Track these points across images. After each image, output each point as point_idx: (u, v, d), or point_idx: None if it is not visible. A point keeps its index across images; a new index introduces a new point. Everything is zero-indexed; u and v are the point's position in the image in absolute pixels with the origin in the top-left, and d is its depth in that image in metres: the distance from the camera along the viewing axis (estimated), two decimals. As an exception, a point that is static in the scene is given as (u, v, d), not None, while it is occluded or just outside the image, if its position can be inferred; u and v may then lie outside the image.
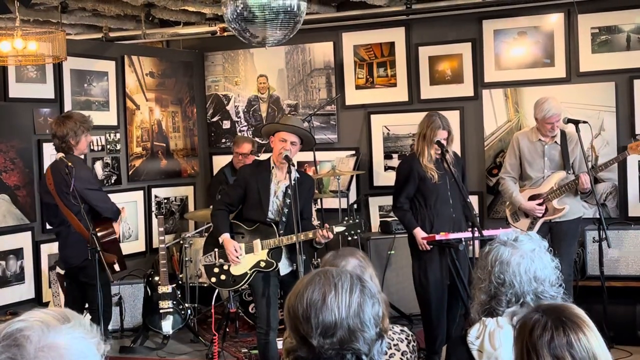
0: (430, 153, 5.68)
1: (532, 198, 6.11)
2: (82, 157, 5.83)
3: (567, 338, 2.03)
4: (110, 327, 6.92)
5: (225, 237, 5.35)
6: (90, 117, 5.95)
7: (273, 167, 5.37)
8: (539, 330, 2.06)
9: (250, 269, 5.35)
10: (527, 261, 2.79)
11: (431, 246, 5.65)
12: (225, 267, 5.42)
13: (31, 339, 1.46)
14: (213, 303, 6.71)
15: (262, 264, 5.33)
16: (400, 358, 3.23)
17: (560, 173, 6.08)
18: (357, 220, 5.30)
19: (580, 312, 2.12)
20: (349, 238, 5.49)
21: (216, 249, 5.43)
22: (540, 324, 2.07)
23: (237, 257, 5.32)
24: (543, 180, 6.13)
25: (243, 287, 5.63)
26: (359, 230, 5.30)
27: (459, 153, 7.09)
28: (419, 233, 5.70)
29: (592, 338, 2.05)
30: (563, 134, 6.14)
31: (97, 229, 5.57)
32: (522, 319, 2.17)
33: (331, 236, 5.20)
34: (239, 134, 8.23)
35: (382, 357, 2.12)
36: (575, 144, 6.08)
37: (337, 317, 2.02)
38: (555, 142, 6.12)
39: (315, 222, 6.57)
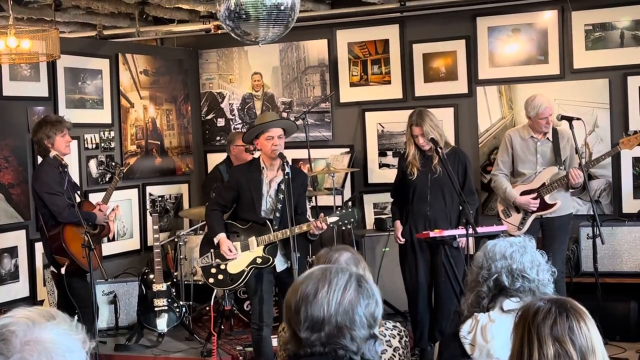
0: (411, 148, 5.84)
1: (524, 194, 6.15)
2: (64, 157, 5.85)
3: (570, 323, 2.08)
4: (105, 325, 6.93)
5: (221, 237, 5.35)
6: (67, 117, 6.08)
7: (264, 168, 5.37)
8: (543, 314, 2.11)
9: (247, 266, 5.36)
10: (504, 244, 2.85)
11: (403, 239, 5.90)
12: (222, 267, 5.41)
13: (17, 334, 1.48)
14: (212, 303, 6.67)
15: (259, 261, 5.34)
16: (392, 354, 3.24)
17: (552, 169, 6.11)
18: (349, 210, 5.32)
19: (583, 307, 2.17)
20: (344, 228, 5.50)
21: (212, 250, 5.43)
22: (544, 309, 2.12)
23: (233, 255, 5.33)
24: (535, 176, 6.15)
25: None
26: (352, 219, 5.31)
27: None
28: (397, 225, 5.99)
29: (592, 330, 2.10)
30: (555, 130, 6.17)
31: (49, 233, 5.83)
32: (525, 305, 2.21)
33: (325, 227, 5.21)
34: (233, 131, 8.21)
35: (377, 357, 2.11)
36: (567, 140, 6.13)
37: (325, 312, 2.03)
38: (547, 138, 6.16)
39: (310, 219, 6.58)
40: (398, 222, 5.99)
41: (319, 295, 2.05)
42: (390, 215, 6.52)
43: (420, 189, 5.83)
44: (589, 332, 2.08)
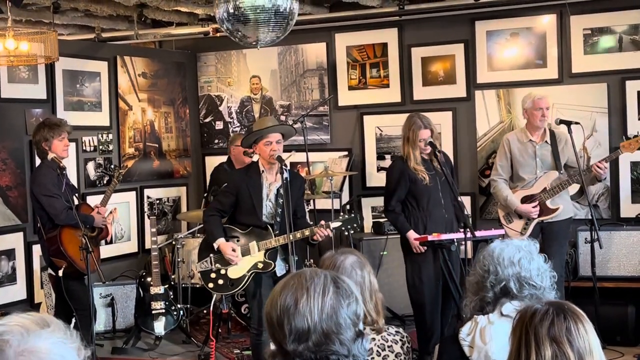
0: (416, 155, 5.67)
1: (525, 199, 6.10)
2: (62, 160, 5.83)
3: (567, 325, 2.08)
4: (102, 328, 6.92)
5: (221, 242, 5.32)
6: (66, 120, 6.04)
7: (263, 171, 5.36)
8: (540, 315, 2.11)
9: (248, 271, 5.33)
10: (512, 249, 2.84)
11: (425, 247, 5.62)
12: (223, 272, 5.39)
13: (11, 344, 1.46)
14: (211, 307, 6.65)
15: (260, 265, 5.32)
16: (394, 360, 3.23)
17: (553, 173, 6.08)
18: (352, 215, 5.32)
19: (580, 310, 2.17)
20: (346, 233, 5.49)
21: (211, 255, 5.41)
22: (541, 311, 2.12)
23: (236, 257, 5.31)
24: (535, 180, 6.12)
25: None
26: (355, 225, 5.31)
27: (451, 154, 7.11)
28: (412, 235, 5.66)
29: (590, 332, 2.10)
30: (552, 134, 6.13)
31: (47, 235, 5.81)
32: (523, 308, 2.21)
33: (330, 233, 5.22)
34: (232, 134, 8.20)
35: (366, 354, 2.09)
36: (565, 143, 6.08)
37: (309, 322, 1.99)
38: (546, 141, 6.12)
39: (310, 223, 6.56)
40: (412, 232, 5.67)
41: (300, 305, 2.01)
42: (388, 221, 6.40)
43: (435, 194, 5.70)
44: (586, 333, 2.08)
